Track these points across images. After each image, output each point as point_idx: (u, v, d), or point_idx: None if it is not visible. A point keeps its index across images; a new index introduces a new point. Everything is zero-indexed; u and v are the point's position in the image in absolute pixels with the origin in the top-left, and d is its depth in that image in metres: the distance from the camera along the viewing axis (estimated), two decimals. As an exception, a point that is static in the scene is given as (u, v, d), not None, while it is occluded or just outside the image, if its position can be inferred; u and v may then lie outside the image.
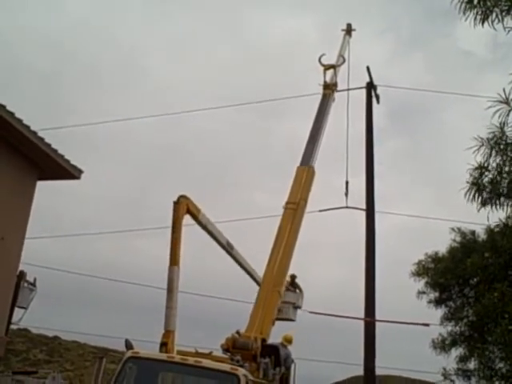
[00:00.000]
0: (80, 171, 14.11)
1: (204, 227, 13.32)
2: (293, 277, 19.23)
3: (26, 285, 13.87)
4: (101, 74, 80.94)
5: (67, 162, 13.63)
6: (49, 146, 13.02)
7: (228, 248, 14.51)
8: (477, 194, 8.09)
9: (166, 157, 75.54)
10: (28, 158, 13.14)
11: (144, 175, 71.23)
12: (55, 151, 13.21)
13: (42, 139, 12.83)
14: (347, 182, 19.24)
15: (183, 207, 12.08)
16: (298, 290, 19.10)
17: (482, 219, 8.92)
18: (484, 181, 7.97)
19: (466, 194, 8.16)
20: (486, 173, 7.93)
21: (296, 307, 18.88)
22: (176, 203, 12.04)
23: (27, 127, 12.36)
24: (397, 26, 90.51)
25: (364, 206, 19.04)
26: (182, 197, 12.20)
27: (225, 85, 76.41)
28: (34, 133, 12.61)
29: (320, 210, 19.32)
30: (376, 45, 74.24)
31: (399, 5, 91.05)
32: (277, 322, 13.13)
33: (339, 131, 19.89)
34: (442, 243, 16.04)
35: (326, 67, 19.03)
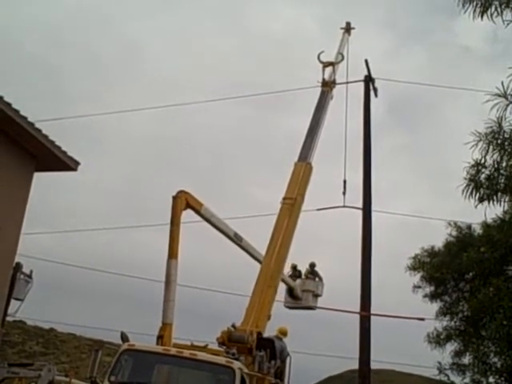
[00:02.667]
0: (77, 163, 14.07)
1: (208, 221, 13.41)
2: (312, 265, 19.47)
3: (22, 277, 13.85)
4: (101, 65, 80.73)
5: (64, 153, 13.58)
6: (46, 137, 12.98)
7: (236, 240, 14.51)
8: (474, 191, 8.12)
9: (164, 149, 75.55)
10: (25, 149, 13.08)
11: (142, 167, 71.24)
12: (52, 142, 13.17)
13: (39, 130, 12.78)
14: (345, 181, 19.18)
15: (182, 202, 12.21)
16: (317, 278, 19.24)
17: (479, 214, 8.97)
18: (481, 177, 8.00)
19: (463, 191, 8.20)
20: (483, 169, 7.96)
21: (316, 295, 19.04)
22: (174, 198, 12.13)
23: (24, 118, 12.30)
24: (397, 20, 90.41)
25: (361, 202, 19.03)
26: (180, 192, 12.30)
27: (225, 77, 76.33)
28: (32, 124, 12.56)
29: (317, 209, 19.28)
30: (376, 39, 74.26)
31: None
32: (272, 315, 13.11)
33: (339, 125, 19.88)
34: (439, 237, 16.07)
35: (325, 64, 19.10)
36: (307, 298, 18.74)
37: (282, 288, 17.85)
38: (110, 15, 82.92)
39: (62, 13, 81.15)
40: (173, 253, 11.83)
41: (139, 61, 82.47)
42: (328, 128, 17.92)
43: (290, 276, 19.00)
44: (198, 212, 12.98)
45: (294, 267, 19.26)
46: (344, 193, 19.11)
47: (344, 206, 19.13)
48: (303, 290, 18.79)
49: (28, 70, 73.35)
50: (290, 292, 18.67)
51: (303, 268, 19.42)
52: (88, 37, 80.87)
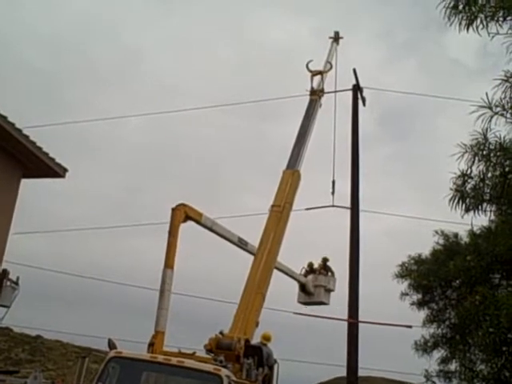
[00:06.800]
0: (65, 170, 14.05)
1: (210, 229, 13.72)
2: (325, 260, 19.87)
3: (8, 283, 13.78)
4: (100, 73, 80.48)
5: (52, 160, 13.56)
6: (34, 143, 12.95)
7: (241, 245, 14.79)
8: (460, 201, 8.23)
9: (157, 157, 75.50)
10: (12, 156, 13.05)
11: (135, 175, 71.15)
12: (40, 149, 13.15)
13: (26, 137, 12.76)
14: (333, 182, 19.52)
15: (180, 214, 12.50)
16: (329, 273, 19.50)
17: (467, 222, 9.08)
18: (467, 188, 8.12)
19: (450, 201, 8.31)
20: (469, 180, 8.07)
21: (328, 290, 19.34)
22: (174, 210, 12.36)
23: (12, 124, 12.28)
24: (390, 32, 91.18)
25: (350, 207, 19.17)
26: (180, 204, 12.60)
27: (222, 87, 76.41)
28: (19, 130, 12.53)
29: (306, 209, 19.48)
30: (369, 51, 74.76)
31: (393, 12, 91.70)
32: (260, 323, 13.11)
33: (330, 132, 20.15)
34: (429, 246, 16.15)
35: (314, 73, 19.34)
36: (319, 293, 19.19)
37: (286, 285, 18.13)
38: (109, 21, 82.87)
39: (61, 20, 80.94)
40: (169, 263, 12.04)
41: (138, 69, 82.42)
42: (319, 135, 18.12)
43: (306, 273, 19.47)
44: (198, 222, 13.29)
45: (311, 265, 19.71)
46: (333, 193, 19.39)
47: (333, 206, 19.36)
48: (315, 285, 19.17)
49: (25, 77, 73.06)
50: (303, 288, 19.04)
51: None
52: (86, 44, 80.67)
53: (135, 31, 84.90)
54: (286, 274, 17.69)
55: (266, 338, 12.71)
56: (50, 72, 77.70)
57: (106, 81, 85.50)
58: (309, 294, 19.18)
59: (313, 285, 19.17)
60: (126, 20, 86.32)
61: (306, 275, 19.41)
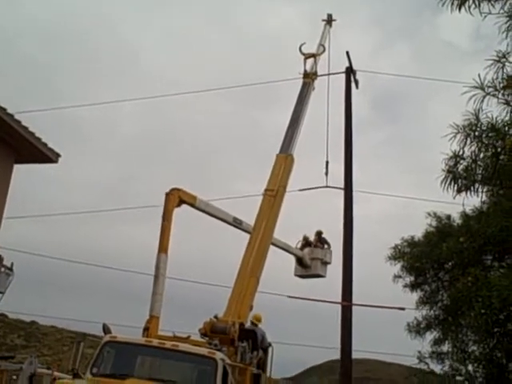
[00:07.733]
0: (57, 155, 13.99)
1: (205, 211, 13.84)
2: (319, 233, 20.00)
3: (2, 269, 13.76)
4: (97, 64, 79.88)
5: (44, 145, 13.50)
6: (26, 128, 12.87)
7: (236, 224, 14.95)
8: (452, 182, 8.26)
9: (151, 145, 75.32)
10: (4, 141, 12.97)
11: (129, 163, 71.10)
12: (32, 134, 13.07)
13: (18, 122, 12.68)
14: (327, 162, 19.54)
15: (174, 198, 12.61)
16: (326, 246, 19.71)
17: (459, 203, 9.13)
18: (459, 169, 8.14)
19: (441, 182, 8.34)
20: (461, 161, 8.09)
21: (324, 263, 19.57)
22: (167, 194, 12.42)
23: (4, 109, 12.19)
24: (384, 18, 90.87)
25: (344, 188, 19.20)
26: (174, 189, 12.68)
27: (217, 75, 76.06)
28: (11, 115, 12.45)
29: (300, 190, 19.53)
30: (363, 35, 74.47)
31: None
32: (254, 306, 13.17)
33: (324, 116, 20.12)
34: (422, 228, 16.22)
35: (307, 56, 19.25)
36: (316, 266, 19.41)
37: (280, 268, 18.16)
38: (107, 14, 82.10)
39: (59, 11, 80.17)
40: (163, 247, 12.11)
41: (136, 61, 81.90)
42: (312, 119, 18.11)
43: (302, 246, 19.63)
44: (193, 206, 13.40)
45: (306, 238, 19.84)
46: (326, 173, 19.45)
47: (326, 187, 19.42)
48: (312, 258, 19.38)
49: (22, 68, 72.54)
50: (300, 261, 19.27)
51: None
52: (82, 34, 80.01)
53: (133, 25, 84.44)
54: (283, 248, 17.86)
55: (258, 319, 12.81)
56: (50, 66, 77.25)
57: (105, 73, 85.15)
58: (305, 267, 19.36)
59: (309, 258, 19.39)
60: (124, 16, 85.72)
61: (302, 249, 19.56)
